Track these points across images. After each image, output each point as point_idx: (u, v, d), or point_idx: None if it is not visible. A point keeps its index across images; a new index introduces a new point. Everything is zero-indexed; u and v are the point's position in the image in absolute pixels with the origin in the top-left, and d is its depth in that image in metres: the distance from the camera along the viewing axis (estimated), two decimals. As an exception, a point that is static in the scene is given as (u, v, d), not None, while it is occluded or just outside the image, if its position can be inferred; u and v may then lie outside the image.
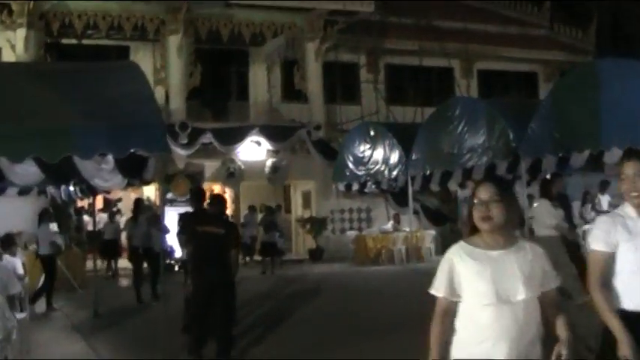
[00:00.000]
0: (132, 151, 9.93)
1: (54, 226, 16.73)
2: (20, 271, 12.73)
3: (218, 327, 9.88)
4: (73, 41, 26.39)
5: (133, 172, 11.30)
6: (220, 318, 9.85)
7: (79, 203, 25.65)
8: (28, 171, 11.41)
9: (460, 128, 20.25)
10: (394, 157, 23.40)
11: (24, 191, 20.26)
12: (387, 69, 32.15)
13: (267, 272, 22.37)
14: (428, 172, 21.93)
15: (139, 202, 19.26)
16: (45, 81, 10.91)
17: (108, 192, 15.49)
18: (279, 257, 23.81)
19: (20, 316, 12.57)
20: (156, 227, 15.34)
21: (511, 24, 34.44)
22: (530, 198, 21.08)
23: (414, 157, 22.29)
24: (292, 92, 29.38)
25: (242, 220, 25.60)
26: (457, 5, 33.58)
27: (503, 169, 19.00)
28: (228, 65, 29.59)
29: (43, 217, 16.67)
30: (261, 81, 29.82)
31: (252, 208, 25.85)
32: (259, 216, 25.70)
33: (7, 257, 12.08)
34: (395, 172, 23.40)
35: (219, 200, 11.21)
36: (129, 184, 12.85)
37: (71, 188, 16.17)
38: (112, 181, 11.85)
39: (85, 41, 26.65)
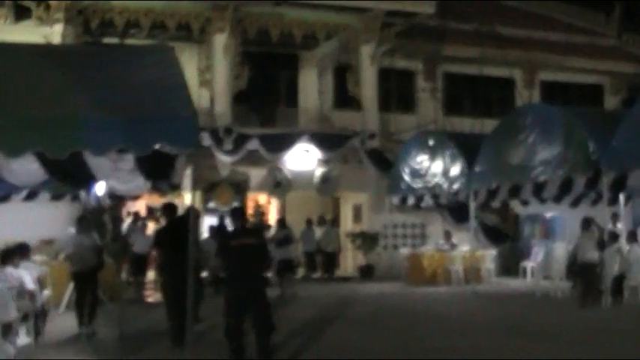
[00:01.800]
0: (156, 147, 7.94)
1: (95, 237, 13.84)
2: (30, 285, 10.81)
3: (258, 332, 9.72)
4: (114, 40, 24.48)
5: (159, 173, 9.27)
6: (259, 324, 9.72)
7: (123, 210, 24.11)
8: (27, 169, 9.38)
9: (532, 138, 18.12)
10: (455, 169, 21.17)
11: (57, 196, 18.78)
12: (445, 77, 29.88)
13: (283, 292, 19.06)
14: (494, 185, 19.64)
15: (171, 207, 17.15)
16: (55, 64, 8.97)
17: (135, 197, 13.11)
18: (293, 275, 20.79)
19: (23, 342, 10.68)
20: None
21: (577, 33, 32.06)
22: (615, 217, 18.93)
23: (477, 169, 20.10)
24: (345, 99, 27.32)
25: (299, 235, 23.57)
26: (520, 12, 31.68)
27: (581, 185, 16.71)
28: (278, 69, 27.49)
29: (82, 225, 13.62)
30: (311, 86, 27.72)
31: (309, 222, 24.18)
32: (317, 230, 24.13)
33: (8, 271, 10.15)
34: (456, 186, 21.16)
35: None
36: (155, 189, 10.81)
37: (100, 192, 14.24)
38: (132, 183, 9.88)
39: (126, 40, 24.77)
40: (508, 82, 30.60)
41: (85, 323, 12.76)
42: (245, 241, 9.90)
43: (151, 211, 24.33)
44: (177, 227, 11.36)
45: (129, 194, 12.81)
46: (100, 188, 13.87)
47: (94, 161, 8.69)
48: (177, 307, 10.65)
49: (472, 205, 20.83)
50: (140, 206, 25.23)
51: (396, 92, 28.84)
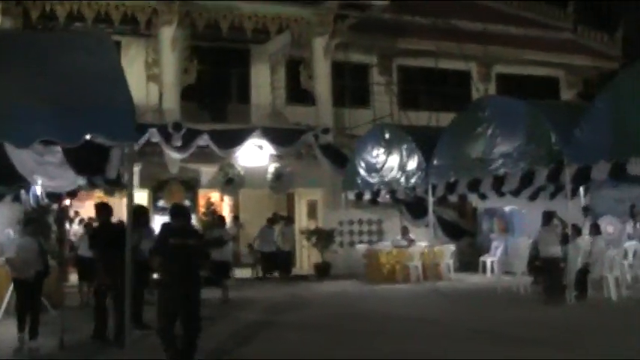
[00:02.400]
0: (87, 138, 7.06)
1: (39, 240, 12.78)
2: None
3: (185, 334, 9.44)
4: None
5: (92, 167, 8.36)
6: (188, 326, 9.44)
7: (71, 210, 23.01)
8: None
9: (491, 131, 17.57)
10: (412, 163, 20.51)
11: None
12: (400, 71, 29.34)
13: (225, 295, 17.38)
14: (452, 179, 19.00)
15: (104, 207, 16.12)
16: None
17: (72, 195, 12.02)
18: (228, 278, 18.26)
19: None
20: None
21: (532, 26, 31.64)
22: (586, 211, 18.43)
23: (435, 163, 19.49)
24: (298, 94, 26.62)
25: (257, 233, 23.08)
26: (475, 6, 31.27)
27: (542, 178, 16.11)
28: (228, 64, 26.62)
29: (27, 228, 12.10)
30: (263, 81, 26.88)
31: (271, 221, 23.26)
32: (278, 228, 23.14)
33: None
34: (413, 180, 20.49)
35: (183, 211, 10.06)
36: (92, 185, 9.87)
37: (38, 191, 13.25)
38: (61, 179, 8.93)
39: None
40: (464, 75, 30.16)
41: (29, 337, 11.49)
42: (185, 241, 9.44)
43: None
44: (112, 228, 11.41)
45: (58, 191, 11.75)
46: (38, 187, 12.92)
47: (16, 154, 7.77)
48: (103, 309, 11.18)
49: (430, 200, 20.19)
50: (89, 206, 24.23)
51: (351, 86, 28.13)
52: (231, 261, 18.99)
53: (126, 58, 24.72)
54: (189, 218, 10.52)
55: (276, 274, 22.73)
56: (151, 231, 14.16)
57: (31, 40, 9.05)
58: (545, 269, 16.20)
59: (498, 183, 17.62)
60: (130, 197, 8.04)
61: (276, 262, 22.80)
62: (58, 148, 7.92)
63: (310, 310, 16.10)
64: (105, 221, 11.47)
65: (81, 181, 9.88)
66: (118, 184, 9.61)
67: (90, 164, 8.25)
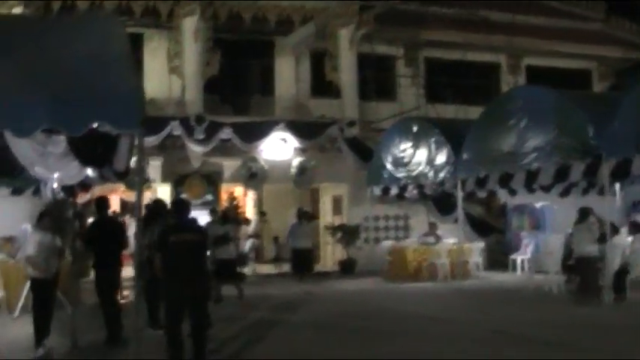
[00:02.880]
0: (92, 127, 6.44)
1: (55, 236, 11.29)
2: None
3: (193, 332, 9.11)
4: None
5: (98, 159, 7.74)
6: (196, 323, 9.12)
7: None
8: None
9: (523, 123, 16.75)
10: (441, 158, 19.79)
11: (17, 191, 17.35)
12: (426, 63, 28.54)
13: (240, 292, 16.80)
14: (482, 174, 18.24)
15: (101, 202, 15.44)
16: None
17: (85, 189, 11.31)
18: (240, 278, 17.67)
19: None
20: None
21: (562, 17, 30.65)
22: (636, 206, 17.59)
23: (464, 157, 18.75)
24: (322, 87, 26.06)
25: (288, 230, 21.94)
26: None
27: (578, 173, 15.29)
28: (252, 56, 25.98)
29: (42, 223, 11.05)
30: (287, 74, 26.27)
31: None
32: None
33: None
34: (442, 175, 19.78)
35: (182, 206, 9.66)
36: (103, 178, 9.25)
37: (55, 184, 12.65)
38: (65, 170, 8.30)
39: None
40: (492, 67, 29.46)
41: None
42: (185, 237, 9.00)
43: (125, 205, 22.77)
44: (108, 224, 11.14)
45: (65, 183, 11.12)
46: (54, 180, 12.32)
47: (16, 144, 7.17)
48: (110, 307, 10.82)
49: (459, 195, 19.46)
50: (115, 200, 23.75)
51: (376, 79, 27.39)
52: (235, 258, 18.10)
53: (148, 50, 24.30)
54: (188, 213, 9.70)
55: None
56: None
57: (33, 24, 8.42)
58: (579, 269, 15.43)
59: (531, 178, 16.83)
60: (140, 191, 7.38)
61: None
62: (62, 138, 7.33)
63: (329, 309, 15.41)
64: (102, 216, 11.13)
65: (90, 172, 9.23)
66: (128, 177, 8.93)
67: (96, 155, 7.63)
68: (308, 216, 22.62)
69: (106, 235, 10.90)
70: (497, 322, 12.85)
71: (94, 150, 7.43)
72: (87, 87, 6.55)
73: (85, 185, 10.48)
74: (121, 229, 11.71)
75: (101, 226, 11.01)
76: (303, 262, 21.07)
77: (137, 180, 7.20)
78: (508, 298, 16.61)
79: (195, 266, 9.10)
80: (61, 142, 7.40)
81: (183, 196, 21.71)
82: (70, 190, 11.31)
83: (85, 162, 8.04)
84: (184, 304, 9.04)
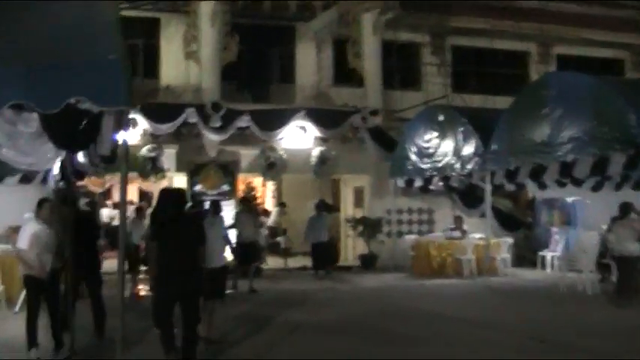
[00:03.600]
0: (71, 102, 5.41)
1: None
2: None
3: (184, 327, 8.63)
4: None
5: (76, 141, 6.69)
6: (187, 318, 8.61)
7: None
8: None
9: (558, 112, 15.52)
10: (469, 148, 18.64)
11: (24, 179, 16.41)
12: (453, 51, 27.29)
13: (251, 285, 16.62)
14: (512, 166, 17.08)
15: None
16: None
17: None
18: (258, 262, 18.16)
19: None
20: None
21: (595, 4, 29.23)
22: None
23: (494, 147, 17.59)
24: (345, 75, 24.91)
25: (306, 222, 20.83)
26: (533, -18, 28.86)
27: (618, 165, 14.09)
28: (272, 42, 24.82)
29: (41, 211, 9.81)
30: (309, 61, 25.11)
31: (320, 207, 20.99)
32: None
33: None
34: (469, 166, 18.62)
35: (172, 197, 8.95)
36: (92, 164, 8.19)
37: (55, 171, 11.63)
38: (36, 155, 7.25)
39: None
40: (522, 56, 28.22)
41: (54, 347, 9.56)
42: (177, 230, 8.42)
43: (144, 195, 21.85)
44: (80, 221, 10.47)
45: (35, 168, 10.06)
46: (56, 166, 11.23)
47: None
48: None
49: (488, 188, 18.31)
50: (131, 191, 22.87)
51: (400, 67, 26.26)
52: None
53: (165, 35, 23.29)
54: (182, 204, 9.06)
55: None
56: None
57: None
58: (618, 268, 14.28)
59: (565, 170, 15.63)
60: (124, 181, 6.35)
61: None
62: (34, 116, 6.32)
63: (352, 308, 14.40)
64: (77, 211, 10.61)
65: (82, 158, 8.20)
66: (114, 162, 7.86)
67: (73, 137, 6.53)
68: (327, 208, 21.60)
69: (76, 230, 10.07)
70: (533, 326, 11.79)
71: (71, 131, 6.35)
72: (65, 57, 5.55)
73: (79, 173, 9.31)
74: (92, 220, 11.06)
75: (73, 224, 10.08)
76: (322, 256, 20.03)
77: (123, 168, 6.16)
78: (540, 297, 15.57)
79: (187, 260, 8.41)
80: (33, 120, 6.40)
81: (199, 186, 20.89)
82: (80, 176, 10.02)
83: (60, 145, 6.94)
84: (175, 299, 8.46)
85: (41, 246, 9.27)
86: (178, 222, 8.50)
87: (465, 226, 20.52)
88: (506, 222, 22.51)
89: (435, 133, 20.07)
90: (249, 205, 18.55)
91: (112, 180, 20.99)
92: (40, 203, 9.59)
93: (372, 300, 15.63)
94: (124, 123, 6.20)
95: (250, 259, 16.75)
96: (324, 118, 21.96)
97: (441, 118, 19.96)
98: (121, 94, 5.48)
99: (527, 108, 16.65)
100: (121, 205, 6.49)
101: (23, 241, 9.29)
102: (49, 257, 9.35)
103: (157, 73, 23.21)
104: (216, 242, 10.51)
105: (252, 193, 22.22)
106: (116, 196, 23.10)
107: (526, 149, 16.40)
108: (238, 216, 17.42)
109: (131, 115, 19.91)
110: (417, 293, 16.71)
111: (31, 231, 9.34)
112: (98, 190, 22.90)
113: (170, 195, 8.96)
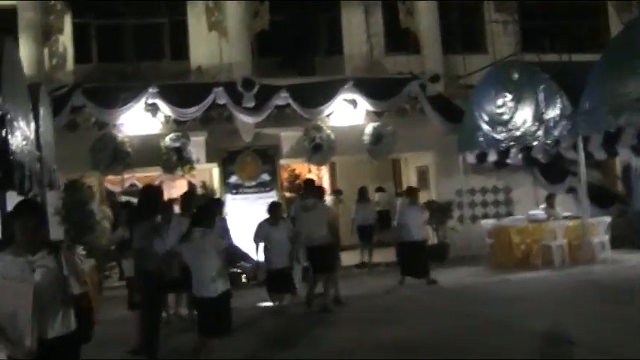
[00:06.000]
0: None
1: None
2: None
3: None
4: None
5: None
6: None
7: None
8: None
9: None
10: (554, 111, 14.69)
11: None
12: (521, 7, 23.17)
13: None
14: (613, 128, 13.10)
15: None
16: None
17: None
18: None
19: None
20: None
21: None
22: None
23: (587, 106, 13.64)
24: (399, 41, 21.16)
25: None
26: None
27: None
28: (313, 9, 21.08)
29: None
30: (357, 27, 21.26)
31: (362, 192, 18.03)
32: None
33: None
34: (556, 132, 14.64)
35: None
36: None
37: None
38: None
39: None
40: (599, 8, 23.88)
41: None
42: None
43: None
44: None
45: None
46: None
47: None
48: None
49: (581, 157, 14.29)
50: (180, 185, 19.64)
51: (461, 28, 22.39)
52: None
53: (194, 12, 19.74)
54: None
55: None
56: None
57: None
58: None
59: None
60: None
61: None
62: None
63: (434, 318, 10.78)
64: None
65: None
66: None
67: None
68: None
69: None
70: None
71: None
72: None
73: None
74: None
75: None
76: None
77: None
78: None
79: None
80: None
81: (234, 177, 17.46)
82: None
83: None
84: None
85: None
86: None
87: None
88: (598, 197, 18.44)
89: (510, 96, 16.10)
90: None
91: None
92: None
93: (456, 306, 11.99)
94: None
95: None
96: (376, 88, 18.44)
97: (515, 76, 15.99)
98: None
99: (627, 54, 12.73)
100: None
101: None
102: None
103: (186, 54, 19.78)
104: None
105: (297, 181, 18.56)
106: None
107: (631, 105, 12.43)
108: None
109: (151, 100, 16.91)
110: (503, 295, 12.86)
111: None
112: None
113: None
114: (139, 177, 19.81)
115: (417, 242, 14.66)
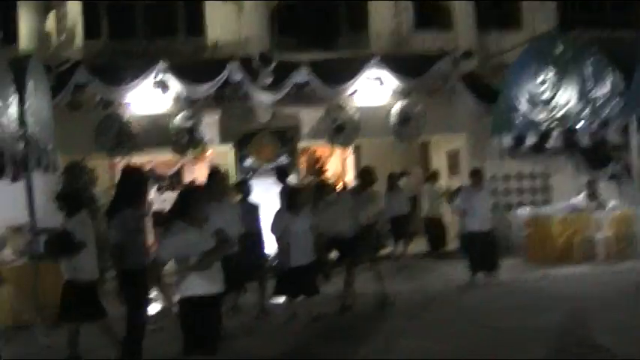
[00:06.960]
0: None
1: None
2: None
3: None
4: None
5: None
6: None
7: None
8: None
9: None
10: (603, 88, 13.02)
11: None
12: (558, -21, 21.63)
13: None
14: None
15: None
16: None
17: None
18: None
19: None
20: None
21: None
22: None
23: (640, 84, 11.96)
24: (428, 16, 19.50)
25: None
26: None
27: None
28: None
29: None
30: (384, 2, 19.71)
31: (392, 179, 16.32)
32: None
33: None
34: (605, 112, 12.99)
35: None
36: None
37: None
38: None
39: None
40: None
41: None
42: None
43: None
44: None
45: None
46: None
47: None
48: None
49: (635, 141, 12.65)
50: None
51: (495, 3, 20.72)
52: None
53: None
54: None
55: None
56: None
57: None
58: None
59: None
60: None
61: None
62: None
63: (466, 329, 9.33)
64: None
65: None
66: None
67: None
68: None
69: None
70: None
71: None
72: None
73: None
74: None
75: None
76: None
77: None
78: None
79: None
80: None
81: (249, 160, 16.11)
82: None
83: None
84: None
85: None
86: None
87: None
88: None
89: (551, 72, 14.43)
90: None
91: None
92: None
93: (480, 315, 10.47)
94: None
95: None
96: (404, 65, 16.92)
97: (558, 50, 14.34)
98: None
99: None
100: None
101: None
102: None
103: (202, 29, 18.40)
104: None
105: (318, 165, 17.26)
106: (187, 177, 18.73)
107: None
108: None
109: (160, 77, 15.61)
110: (544, 295, 11.48)
111: None
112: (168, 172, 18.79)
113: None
114: (159, 161, 18.50)
115: (487, 232, 13.22)
